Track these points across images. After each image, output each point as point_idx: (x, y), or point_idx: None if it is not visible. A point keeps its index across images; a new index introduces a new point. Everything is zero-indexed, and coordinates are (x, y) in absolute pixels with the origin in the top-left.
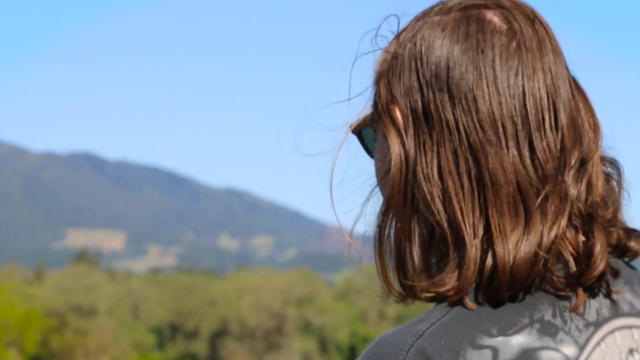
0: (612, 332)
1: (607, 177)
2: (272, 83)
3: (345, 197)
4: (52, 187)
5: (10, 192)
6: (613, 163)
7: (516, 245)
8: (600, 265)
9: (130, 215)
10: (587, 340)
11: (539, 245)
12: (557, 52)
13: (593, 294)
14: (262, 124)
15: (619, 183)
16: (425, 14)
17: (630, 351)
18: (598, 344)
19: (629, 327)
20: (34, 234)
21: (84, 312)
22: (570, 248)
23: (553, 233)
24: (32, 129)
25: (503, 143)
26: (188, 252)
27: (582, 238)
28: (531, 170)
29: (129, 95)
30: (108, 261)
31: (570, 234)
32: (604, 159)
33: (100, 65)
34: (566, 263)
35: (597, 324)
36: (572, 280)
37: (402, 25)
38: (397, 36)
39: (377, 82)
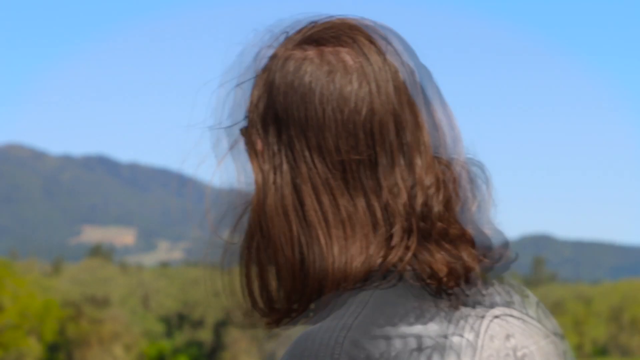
0: (492, 320)
1: (472, 183)
2: None
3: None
4: (69, 188)
5: (31, 192)
6: (479, 167)
7: (357, 267)
8: (457, 278)
9: (141, 213)
10: (479, 327)
11: (380, 266)
12: (412, 79)
13: (471, 293)
14: None
15: (487, 188)
16: (294, 40)
17: (507, 337)
18: (486, 330)
19: (503, 315)
20: (52, 231)
21: (98, 303)
22: (425, 265)
23: (396, 257)
24: (51, 134)
25: (350, 183)
26: (194, 247)
27: (440, 256)
28: (377, 209)
29: (141, 102)
30: (120, 255)
31: (426, 254)
32: (469, 164)
33: (114, 74)
34: (423, 277)
35: (482, 313)
36: (429, 288)
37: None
38: (273, 58)
39: (251, 104)
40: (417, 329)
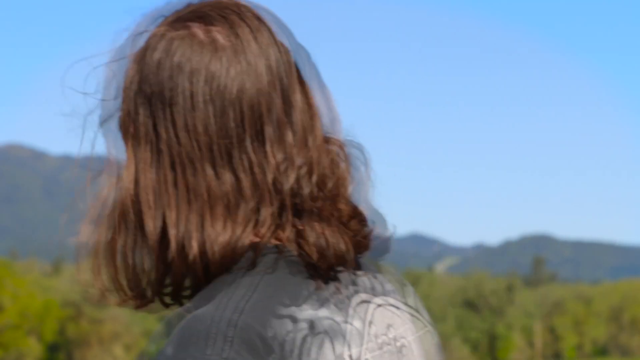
0: (375, 308)
1: (350, 163)
2: None
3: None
4: (69, 188)
5: (31, 192)
6: (358, 148)
7: (221, 245)
8: (330, 259)
9: None
10: (365, 314)
11: (253, 244)
12: (286, 58)
13: (350, 277)
14: None
15: (365, 169)
16: (168, 20)
17: (388, 326)
18: (371, 319)
19: (384, 304)
20: (52, 231)
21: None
22: (296, 246)
23: (267, 236)
24: (51, 134)
25: (217, 161)
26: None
27: (312, 238)
28: (245, 185)
29: None
30: None
31: (296, 234)
32: (347, 145)
33: None
34: (298, 256)
35: (366, 300)
36: (309, 270)
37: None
38: (147, 39)
39: (124, 84)
40: (309, 313)
